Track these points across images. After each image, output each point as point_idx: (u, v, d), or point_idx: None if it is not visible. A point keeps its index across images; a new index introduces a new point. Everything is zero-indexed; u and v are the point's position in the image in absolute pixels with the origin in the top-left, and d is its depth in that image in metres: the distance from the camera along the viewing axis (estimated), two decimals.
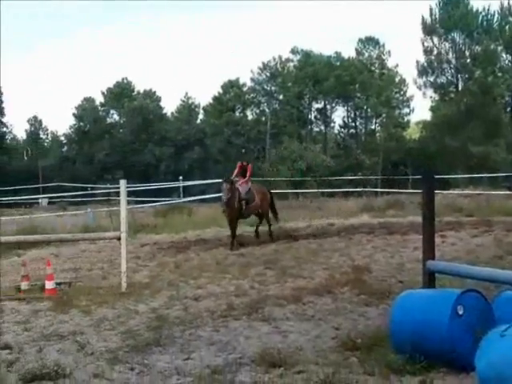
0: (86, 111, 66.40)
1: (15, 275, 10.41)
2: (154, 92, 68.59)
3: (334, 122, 65.70)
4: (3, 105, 63.10)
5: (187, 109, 68.30)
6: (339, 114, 64.74)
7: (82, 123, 66.44)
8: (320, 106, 64.78)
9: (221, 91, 64.89)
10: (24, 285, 9.31)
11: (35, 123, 70.74)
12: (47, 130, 71.74)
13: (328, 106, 64.71)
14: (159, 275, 10.17)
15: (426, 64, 56.23)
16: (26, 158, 64.17)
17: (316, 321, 6.78)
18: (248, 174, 14.23)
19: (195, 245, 13.74)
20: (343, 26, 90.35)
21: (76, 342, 6.18)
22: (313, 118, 65.96)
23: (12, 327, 6.95)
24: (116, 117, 69.03)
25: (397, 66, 62.06)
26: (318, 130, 67.34)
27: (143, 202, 22.62)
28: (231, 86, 64.11)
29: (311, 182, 41.18)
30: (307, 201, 25.96)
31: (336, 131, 66.42)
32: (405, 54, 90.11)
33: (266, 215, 14.43)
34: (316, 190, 31.85)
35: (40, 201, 35.96)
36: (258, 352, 5.46)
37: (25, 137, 70.40)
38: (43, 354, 5.82)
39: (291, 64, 64.26)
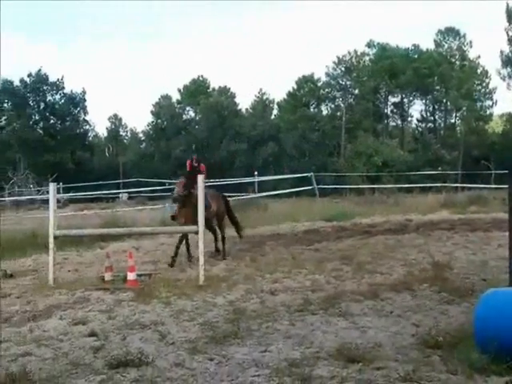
0: (163, 108, 67.99)
1: (99, 266, 10.85)
2: (229, 88, 69.35)
3: (412, 116, 64.00)
4: (86, 103, 65.67)
5: (261, 105, 68.61)
6: (417, 108, 63.00)
7: (159, 120, 68.11)
8: (397, 99, 63.29)
9: (295, 86, 64.70)
10: (108, 276, 9.69)
11: (115, 121, 73.20)
12: (127, 127, 74.12)
13: (405, 100, 63.15)
14: (235, 269, 10.31)
15: (510, 54, 53.75)
16: (107, 154, 66.66)
17: (395, 317, 6.65)
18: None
19: (270, 239, 13.81)
20: (421, 18, 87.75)
21: (157, 332, 6.37)
22: (389, 112, 64.59)
23: (97, 315, 7.26)
24: (192, 113, 70.31)
25: (479, 57, 59.68)
26: (394, 124, 65.86)
27: None
28: (305, 81, 63.78)
29: (387, 177, 40.43)
30: (383, 196, 25.48)
31: (414, 125, 64.77)
32: (487, 45, 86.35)
33: (220, 225, 12.46)
34: (393, 186, 31.18)
35: (120, 196, 37.22)
36: (336, 347, 5.43)
37: (106, 134, 73.07)
38: (127, 342, 6.05)
39: (367, 58, 63.15)
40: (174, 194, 11.75)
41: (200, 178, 10.03)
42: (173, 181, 38.53)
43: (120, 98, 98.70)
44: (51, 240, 9.78)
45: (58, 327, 6.79)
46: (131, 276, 9.26)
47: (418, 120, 63.67)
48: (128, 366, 5.23)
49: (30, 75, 63.44)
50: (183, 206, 11.49)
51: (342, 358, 5.16)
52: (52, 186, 10.08)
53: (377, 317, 6.67)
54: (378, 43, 62.23)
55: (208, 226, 11.68)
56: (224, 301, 7.80)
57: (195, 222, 10.63)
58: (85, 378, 5.03)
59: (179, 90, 70.54)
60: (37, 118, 64.67)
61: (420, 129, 63.76)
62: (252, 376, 4.91)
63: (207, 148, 57.03)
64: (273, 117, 68.52)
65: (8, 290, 9.37)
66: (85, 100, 65.38)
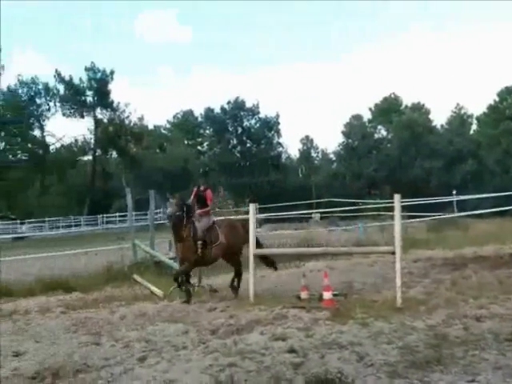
0: (354, 128, 68.21)
1: (295, 285, 11.11)
2: (423, 105, 67.37)
3: None
4: (280, 126, 68.48)
5: (459, 120, 65.48)
6: None
7: (350, 140, 68.43)
8: None
9: (497, 99, 60.66)
10: (304, 294, 9.88)
11: (307, 142, 75.20)
12: (318, 148, 75.73)
13: None
14: (434, 292, 9.84)
15: None
16: (300, 175, 68.58)
17: None
18: (208, 204, 10.85)
19: (473, 262, 12.99)
20: None
21: (355, 353, 6.31)
22: None
23: (296, 333, 7.41)
24: (383, 132, 69.53)
25: None
26: None
27: (415, 217, 22.25)
28: (509, 92, 59.47)
29: None
30: None
31: None
32: None
33: (236, 261, 11.06)
34: None
35: (313, 216, 37.93)
36: None
37: (298, 155, 75.31)
38: (325, 361, 6.08)
39: None
40: (167, 212, 10.28)
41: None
42: (365, 200, 38.41)
43: (311, 120, 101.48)
44: (251, 258, 10.25)
45: (259, 342, 7.07)
46: (327, 295, 9.32)
47: None
48: None
49: (229, 102, 68.09)
50: (179, 239, 10.31)
51: None
52: (252, 207, 10.59)
53: None
54: None
55: (211, 261, 10.93)
56: (423, 325, 7.47)
57: (198, 259, 10.37)
58: None
59: (370, 109, 70.28)
60: (235, 142, 68.97)
61: None
62: None
63: (400, 166, 55.78)
64: (471, 132, 64.89)
65: (213, 304, 10.02)
66: (278, 123, 68.30)
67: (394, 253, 9.09)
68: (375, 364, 5.88)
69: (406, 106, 68.69)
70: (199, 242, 10.20)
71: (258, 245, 11.15)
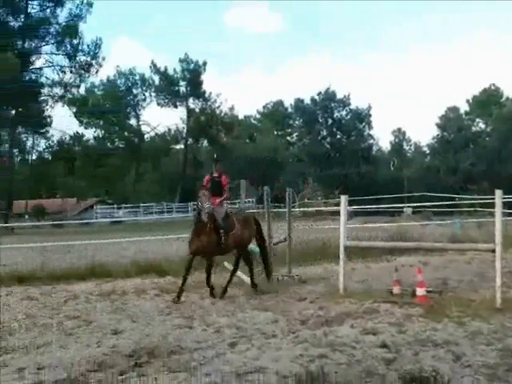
0: (450, 121, 65.74)
1: (387, 279, 10.86)
2: None
3: None
4: (371, 118, 67.25)
5: None
6: None
7: (445, 133, 66.04)
8: None
9: None
10: (396, 289, 9.65)
11: (399, 135, 73.38)
12: (410, 140, 73.71)
13: None
14: None
15: None
16: (391, 168, 67.08)
17: None
18: (225, 192, 10.14)
19: None
20: None
21: (451, 352, 6.09)
22: None
23: (387, 328, 7.26)
24: (482, 125, 66.57)
25: None
26: None
27: None
28: None
29: None
30: None
31: None
32: None
33: (244, 252, 10.58)
34: None
35: (404, 210, 36.93)
36: None
37: (389, 148, 73.67)
38: (419, 358, 5.91)
39: None
40: (205, 208, 9.41)
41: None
42: (462, 196, 36.93)
43: (404, 112, 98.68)
44: (342, 250, 10.13)
45: (349, 335, 6.98)
46: (420, 292, 9.05)
47: None
48: (421, 382, 5.12)
49: (319, 93, 67.61)
50: (197, 230, 9.67)
51: None
52: (344, 199, 10.44)
53: None
54: None
55: (222, 252, 10.17)
56: None
57: (213, 252, 9.77)
58: None
59: (468, 101, 67.45)
60: (324, 133, 68.45)
61: None
62: None
63: (499, 161, 53.18)
64: None
65: (303, 294, 10.02)
66: (370, 115, 67.09)
67: (493, 251, 8.67)
68: (473, 365, 5.65)
69: (507, 98, 65.35)
70: (221, 231, 9.76)
71: (262, 238, 10.99)
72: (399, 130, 73.16)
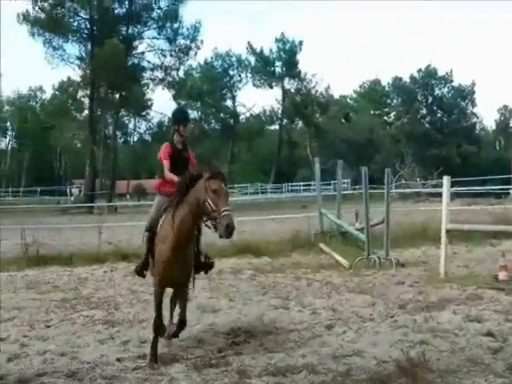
0: None
1: (491, 264, 10.35)
2: None
3: None
4: (475, 95, 64.12)
5: None
6: None
7: None
8: None
9: None
10: (502, 275, 9.15)
11: (505, 112, 69.52)
12: None
13: None
14: None
15: None
16: (497, 147, 63.76)
17: None
18: (190, 168, 6.30)
19: None
20: None
21: None
22: None
23: (493, 315, 6.91)
24: None
25: None
26: None
27: None
28: None
29: None
30: None
31: None
32: None
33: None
34: None
35: (511, 191, 35.07)
36: None
37: (494, 127, 69.99)
38: None
39: None
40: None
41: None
42: None
43: (511, 88, 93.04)
44: (443, 233, 9.75)
45: (452, 321, 6.72)
46: None
47: None
48: None
49: (419, 71, 65.20)
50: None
51: None
52: (446, 180, 10.03)
53: None
54: None
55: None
56: None
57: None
58: (484, 378, 4.83)
59: None
60: (424, 112, 66.09)
61: None
62: None
63: None
64: None
65: (401, 278, 9.76)
66: (473, 92, 63.96)
67: None
68: None
69: None
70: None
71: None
72: (505, 107, 69.42)
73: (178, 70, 50.81)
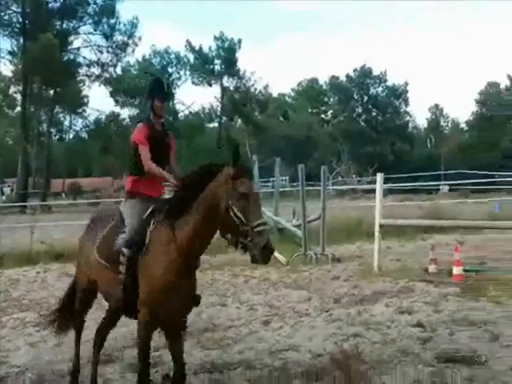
0: (490, 96, 64.07)
1: (422, 258, 10.70)
2: None
3: None
4: (408, 95, 66.02)
5: None
6: None
7: (484, 109, 64.46)
8: None
9: None
10: (432, 268, 9.50)
11: (436, 111, 71.92)
12: (448, 117, 72.23)
13: None
14: None
15: None
16: (428, 145, 65.94)
17: None
18: (171, 163, 4.94)
19: None
20: None
21: (488, 332, 5.96)
22: None
23: (423, 307, 7.16)
24: None
25: None
26: None
27: None
28: None
29: None
30: None
31: None
32: None
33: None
34: None
35: (441, 187, 36.39)
36: None
37: (426, 125, 72.35)
38: (455, 338, 5.81)
39: None
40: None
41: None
42: (501, 173, 36.12)
43: (442, 88, 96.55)
44: (377, 228, 10.02)
45: (384, 313, 6.92)
46: (457, 270, 8.89)
47: None
48: (458, 362, 5.04)
49: (355, 70, 66.60)
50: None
51: None
52: (379, 177, 10.31)
53: None
54: None
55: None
56: None
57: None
58: (414, 367, 4.99)
59: (509, 76, 65.53)
60: (360, 110, 67.56)
61: None
62: None
63: None
64: None
65: (337, 273, 9.95)
66: (407, 91, 65.89)
67: None
68: (511, 345, 5.52)
69: None
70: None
71: None
72: (436, 106, 71.80)
73: (115, 66, 49.97)
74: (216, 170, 4.00)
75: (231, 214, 3.79)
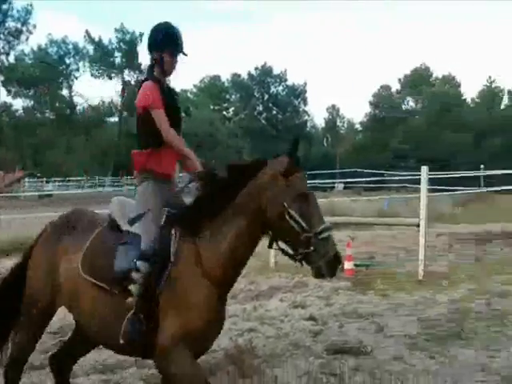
0: (383, 99, 67.20)
1: None
2: (454, 77, 66.03)
3: None
4: (307, 94, 67.84)
5: (490, 94, 64.07)
6: None
7: (377, 111, 67.53)
8: None
9: None
10: None
11: (333, 111, 74.43)
12: (344, 117, 74.96)
13: None
14: (457, 267, 9.75)
15: None
16: (325, 144, 68.10)
17: None
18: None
19: (498, 238, 12.82)
20: None
21: (375, 323, 6.29)
22: None
23: (315, 301, 7.42)
24: (412, 104, 68.45)
25: None
26: None
27: (440, 191, 21.90)
28: None
29: None
30: None
31: None
32: None
33: None
34: None
35: (336, 185, 37.73)
36: None
37: (323, 125, 74.68)
38: (344, 330, 6.08)
39: None
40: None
41: None
42: (390, 172, 38.05)
43: (338, 89, 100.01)
44: None
45: (278, 308, 7.09)
46: (348, 265, 9.28)
47: None
48: (346, 353, 5.27)
49: (256, 68, 67.49)
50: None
51: None
52: None
53: None
54: None
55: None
56: (445, 299, 7.42)
57: None
58: (305, 359, 5.16)
59: (399, 80, 69.11)
60: (260, 108, 68.55)
61: None
62: (478, 381, 4.59)
63: (427, 139, 54.96)
64: (502, 106, 63.57)
65: None
66: (305, 91, 67.64)
67: (418, 225, 8.99)
68: (395, 335, 5.86)
69: (437, 78, 67.44)
70: None
71: None
72: (333, 106, 74.25)
73: (7, 54, 47.43)
74: (259, 163, 3.16)
75: (288, 218, 3.02)
